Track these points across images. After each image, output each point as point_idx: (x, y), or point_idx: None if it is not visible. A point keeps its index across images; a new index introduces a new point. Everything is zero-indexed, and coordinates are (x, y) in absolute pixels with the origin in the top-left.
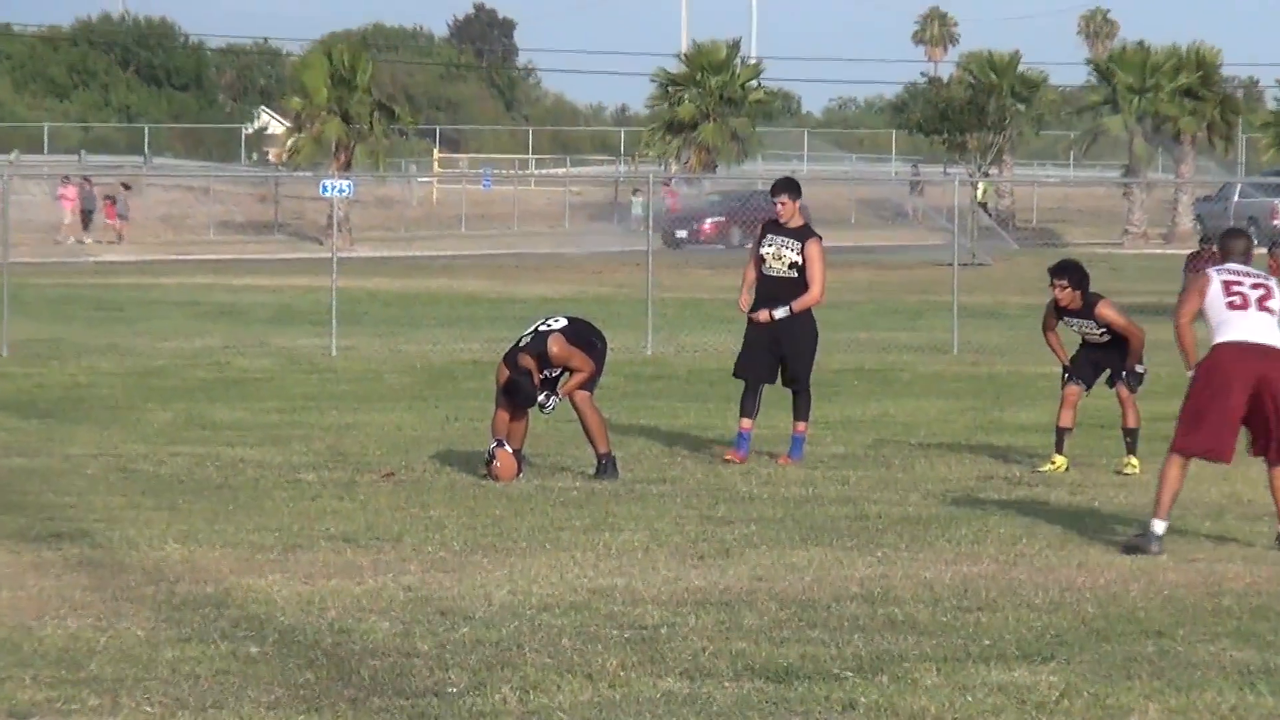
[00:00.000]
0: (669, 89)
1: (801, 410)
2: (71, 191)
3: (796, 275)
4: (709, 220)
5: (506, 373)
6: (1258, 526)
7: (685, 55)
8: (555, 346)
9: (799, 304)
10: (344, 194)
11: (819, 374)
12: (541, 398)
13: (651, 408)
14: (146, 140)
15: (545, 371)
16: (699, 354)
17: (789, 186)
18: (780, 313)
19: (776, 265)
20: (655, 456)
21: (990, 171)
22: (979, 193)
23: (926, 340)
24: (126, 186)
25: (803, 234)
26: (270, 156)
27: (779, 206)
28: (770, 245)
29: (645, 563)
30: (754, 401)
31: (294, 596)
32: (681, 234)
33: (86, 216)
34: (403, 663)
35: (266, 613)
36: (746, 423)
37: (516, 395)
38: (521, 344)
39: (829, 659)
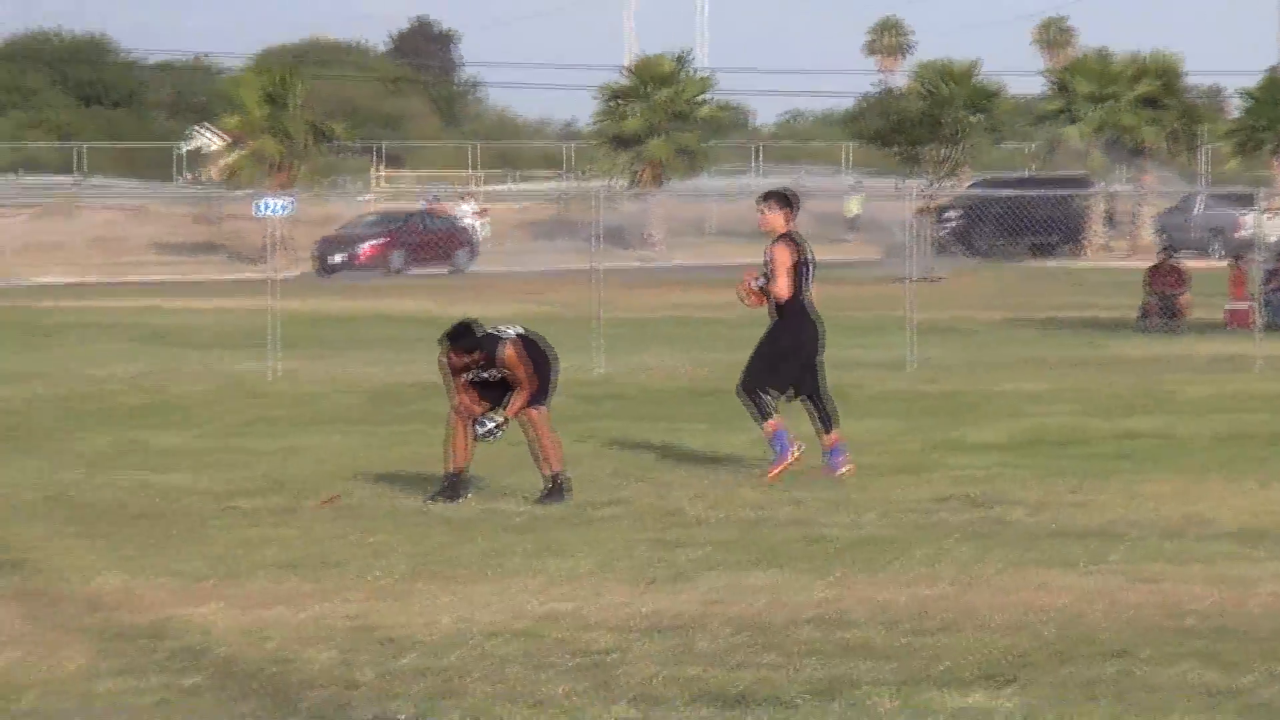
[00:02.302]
0: (613, 104)
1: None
2: None
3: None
4: (367, 244)
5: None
6: (1219, 546)
7: (630, 68)
8: (510, 349)
9: (770, 287)
10: (282, 213)
11: None
12: (480, 427)
13: (600, 429)
14: (83, 160)
15: (488, 373)
16: (650, 373)
17: (769, 195)
18: (759, 282)
19: (763, 276)
20: (604, 479)
21: (946, 184)
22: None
23: (881, 357)
24: None
25: (771, 240)
26: (212, 174)
27: (758, 216)
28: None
29: (594, 588)
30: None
31: (233, 626)
32: (337, 258)
33: None
34: (344, 694)
35: (205, 643)
36: (777, 420)
37: (463, 334)
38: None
39: (783, 684)
